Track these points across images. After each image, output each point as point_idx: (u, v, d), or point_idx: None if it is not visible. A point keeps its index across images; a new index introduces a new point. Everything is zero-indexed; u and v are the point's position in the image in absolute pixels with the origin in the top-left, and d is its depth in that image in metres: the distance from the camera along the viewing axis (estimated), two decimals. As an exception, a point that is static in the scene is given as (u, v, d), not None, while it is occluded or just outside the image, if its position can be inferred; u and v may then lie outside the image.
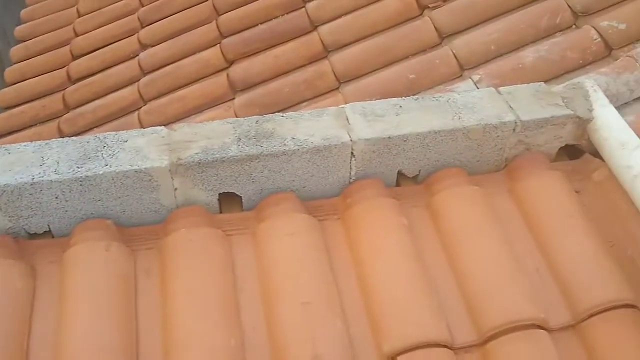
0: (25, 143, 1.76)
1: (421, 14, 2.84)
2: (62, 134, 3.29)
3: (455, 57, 2.53)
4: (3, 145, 1.74)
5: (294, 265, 1.65)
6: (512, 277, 1.67)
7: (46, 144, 1.74)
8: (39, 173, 1.65)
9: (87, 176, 1.65)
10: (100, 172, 1.65)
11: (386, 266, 1.67)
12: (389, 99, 1.95)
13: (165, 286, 1.63)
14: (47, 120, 3.49)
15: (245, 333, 1.56)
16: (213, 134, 1.75)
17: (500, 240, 1.76)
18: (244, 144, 1.73)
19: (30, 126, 3.51)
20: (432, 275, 1.69)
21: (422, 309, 1.58)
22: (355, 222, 1.79)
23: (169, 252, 1.67)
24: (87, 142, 1.74)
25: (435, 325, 1.56)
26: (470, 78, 2.42)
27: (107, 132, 1.80)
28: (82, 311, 1.55)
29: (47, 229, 1.76)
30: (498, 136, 1.89)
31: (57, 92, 3.62)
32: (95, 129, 3.23)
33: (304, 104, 2.72)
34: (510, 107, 1.91)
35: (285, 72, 2.90)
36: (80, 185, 1.66)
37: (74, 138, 1.76)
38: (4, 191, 1.63)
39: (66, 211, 1.71)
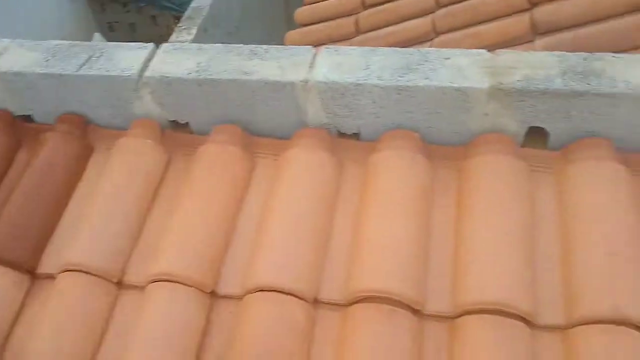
0: (352, 47, 1.86)
1: None
2: (351, 55, 3.44)
3: None
4: (333, 47, 1.87)
5: (600, 213, 1.56)
6: None
7: (371, 50, 1.82)
8: (363, 76, 1.74)
9: (407, 86, 1.69)
10: (420, 85, 1.68)
11: None
12: None
13: (463, 204, 1.65)
14: (339, 41, 3.68)
15: (538, 264, 1.53)
16: (538, 64, 1.69)
17: None
18: (569, 79, 1.64)
19: (323, 44, 3.72)
20: None
21: None
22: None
23: (472, 173, 1.67)
24: (411, 55, 1.78)
25: None
26: None
27: (428, 48, 1.83)
28: (382, 210, 1.64)
29: (356, 132, 1.86)
30: None
31: (351, 15, 3.78)
32: (384, 54, 3.33)
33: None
34: None
35: (597, 20, 2.68)
36: (398, 94, 1.71)
37: (397, 49, 1.81)
38: (331, 88, 1.75)
39: (378, 117, 1.79)
